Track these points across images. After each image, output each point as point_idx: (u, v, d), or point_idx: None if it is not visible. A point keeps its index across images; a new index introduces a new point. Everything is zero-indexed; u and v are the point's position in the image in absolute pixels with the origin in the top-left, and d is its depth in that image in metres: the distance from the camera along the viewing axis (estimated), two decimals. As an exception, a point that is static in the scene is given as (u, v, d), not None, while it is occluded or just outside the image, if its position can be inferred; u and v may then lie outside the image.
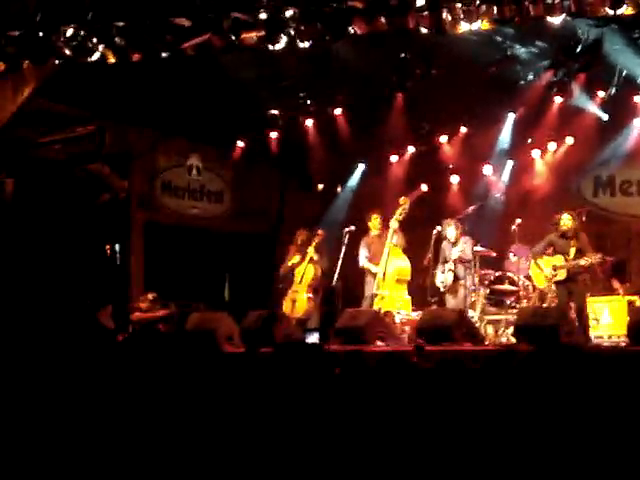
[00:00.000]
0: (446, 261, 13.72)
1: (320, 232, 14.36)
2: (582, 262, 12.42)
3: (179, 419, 5.47)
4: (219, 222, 16.92)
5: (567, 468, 4.54)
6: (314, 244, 14.20)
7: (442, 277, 13.68)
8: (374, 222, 14.13)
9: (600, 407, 5.05)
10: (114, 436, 5.20)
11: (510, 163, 16.24)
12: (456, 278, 13.61)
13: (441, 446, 4.89)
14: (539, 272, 13.00)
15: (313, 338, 12.88)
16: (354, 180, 17.16)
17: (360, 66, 13.83)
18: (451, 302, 13.60)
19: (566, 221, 12.74)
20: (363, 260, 14.00)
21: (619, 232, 16.03)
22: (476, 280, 13.74)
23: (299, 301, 14.12)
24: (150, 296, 13.88)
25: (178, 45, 12.04)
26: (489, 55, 13.85)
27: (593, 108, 14.92)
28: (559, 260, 12.66)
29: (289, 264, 14.33)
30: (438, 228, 13.81)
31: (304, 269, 14.18)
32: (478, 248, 13.79)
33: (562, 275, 12.58)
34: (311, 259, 14.18)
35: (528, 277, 13.75)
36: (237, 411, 5.39)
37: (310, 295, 14.16)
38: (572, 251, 12.60)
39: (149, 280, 15.02)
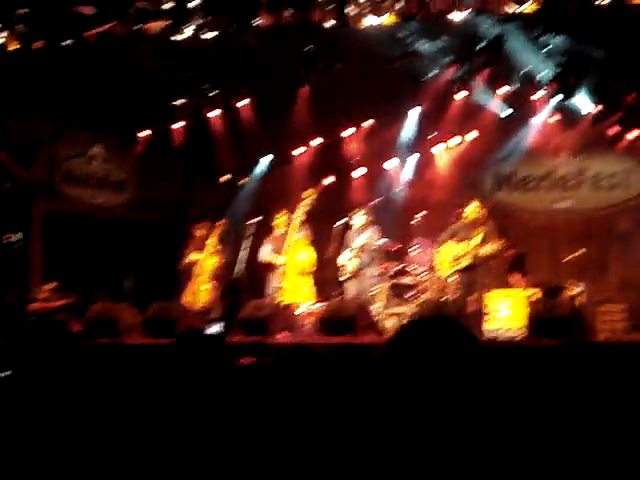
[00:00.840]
0: (350, 249, 13.77)
1: (221, 222, 14.34)
2: (485, 249, 12.66)
3: (78, 411, 5.41)
4: (122, 212, 16.76)
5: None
6: (215, 234, 14.18)
7: (345, 264, 13.74)
8: (279, 221, 14.09)
9: (497, 399, 5.13)
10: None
11: (414, 157, 16.40)
12: (360, 267, 13.68)
13: (341, 439, 4.91)
14: (444, 258, 13.18)
15: (216, 328, 12.87)
16: (259, 172, 17.16)
17: (265, 58, 13.85)
18: (352, 290, 13.66)
19: (473, 210, 13.00)
20: (266, 254, 13.92)
21: (518, 227, 16.26)
22: (379, 272, 13.85)
23: (200, 292, 14.08)
24: (49, 287, 13.70)
25: (81, 33, 11.94)
26: (393, 50, 13.97)
27: (494, 104, 15.15)
28: (463, 247, 12.89)
29: (190, 258, 14.29)
30: (343, 220, 13.89)
31: (205, 260, 14.15)
32: (381, 241, 13.91)
33: (466, 262, 12.81)
34: (212, 250, 14.16)
35: (430, 269, 13.92)
36: (135, 402, 5.36)
37: (212, 285, 14.14)
38: (478, 238, 12.82)
39: (50, 271, 14.80)
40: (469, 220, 13.04)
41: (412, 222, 13.92)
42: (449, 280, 13.37)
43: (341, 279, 13.86)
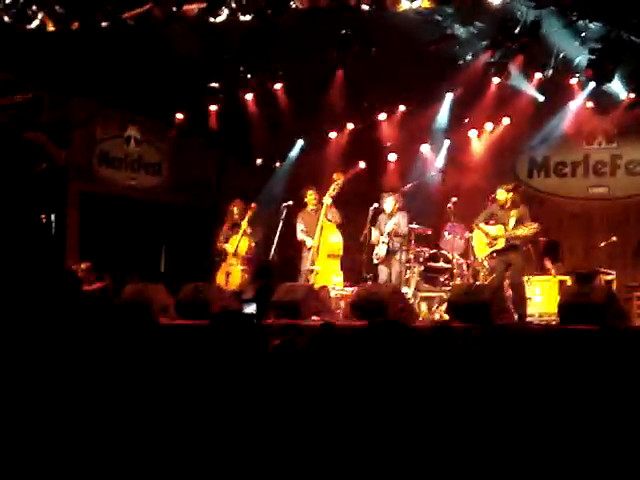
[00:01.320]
0: (382, 234, 13.84)
1: (253, 205, 14.40)
2: (519, 231, 12.67)
3: (115, 391, 5.48)
4: (156, 194, 16.85)
5: (495, 447, 4.63)
6: (248, 217, 14.26)
7: (376, 249, 13.82)
8: (310, 198, 14.20)
9: (529, 384, 5.14)
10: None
11: (447, 142, 16.38)
12: (390, 252, 13.74)
13: (380, 421, 4.94)
14: (481, 240, 13.18)
15: (250, 309, 12.93)
16: (293, 155, 17.19)
17: (301, 41, 13.85)
18: (384, 275, 13.74)
19: (500, 194, 13.03)
20: (300, 233, 14.08)
21: (552, 213, 16.24)
22: (411, 257, 13.87)
23: (233, 273, 14.17)
24: (84, 266, 13.80)
25: (118, 14, 11.97)
26: (429, 34, 13.93)
27: (530, 89, 15.08)
28: (499, 230, 12.91)
29: (223, 240, 14.38)
30: (376, 205, 13.91)
31: (238, 242, 14.22)
32: (414, 225, 13.91)
33: (501, 244, 12.83)
34: (245, 232, 14.23)
35: (463, 255, 13.94)
36: (175, 383, 5.41)
37: (244, 267, 14.21)
38: (511, 221, 12.85)
39: (84, 251, 14.93)
40: (502, 203, 13.06)
41: (446, 207, 13.87)
42: (484, 263, 13.38)
43: (374, 262, 13.90)
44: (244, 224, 14.22)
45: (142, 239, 15.98)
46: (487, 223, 13.18)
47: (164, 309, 12.46)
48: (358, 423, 4.97)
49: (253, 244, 14.24)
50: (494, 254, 13.05)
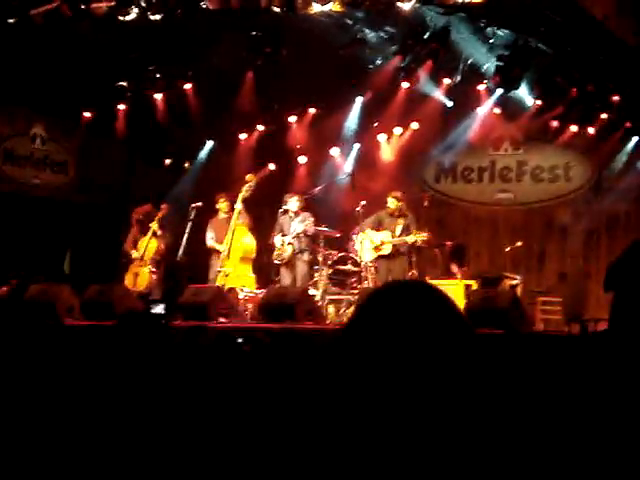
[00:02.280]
0: (284, 234, 13.77)
1: (164, 206, 14.30)
2: (408, 238, 13.00)
3: (16, 393, 5.37)
4: (62, 193, 16.61)
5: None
6: (157, 218, 14.15)
7: (277, 251, 13.77)
8: (221, 205, 14.11)
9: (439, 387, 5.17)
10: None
11: (357, 146, 16.46)
12: (297, 252, 13.72)
13: (279, 424, 4.92)
14: (366, 244, 13.39)
15: (158, 309, 12.82)
16: (202, 156, 17.12)
17: (211, 41, 13.79)
18: (287, 278, 13.72)
19: (390, 202, 13.29)
20: (210, 241, 13.98)
21: (459, 217, 16.46)
22: (319, 259, 13.89)
23: (141, 275, 14.05)
24: None
25: (26, 11, 11.79)
26: (339, 37, 13.99)
27: (438, 95, 15.24)
28: (387, 236, 13.16)
29: (131, 241, 14.27)
30: (284, 206, 13.91)
31: (146, 243, 14.11)
32: (323, 228, 13.94)
33: (387, 250, 13.08)
34: (154, 233, 14.12)
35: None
36: (80, 383, 5.34)
37: (153, 269, 14.10)
38: (398, 228, 13.14)
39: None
40: (391, 211, 13.33)
41: (354, 211, 13.93)
42: (369, 267, 13.56)
43: (277, 263, 13.88)
44: (153, 225, 14.11)
45: (47, 239, 15.72)
46: (375, 229, 13.41)
47: (69, 309, 12.32)
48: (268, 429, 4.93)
49: (163, 246, 14.13)
50: (379, 259, 13.31)
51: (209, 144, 17.04)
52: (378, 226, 13.50)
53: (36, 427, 4.95)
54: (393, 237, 13.23)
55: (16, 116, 15.82)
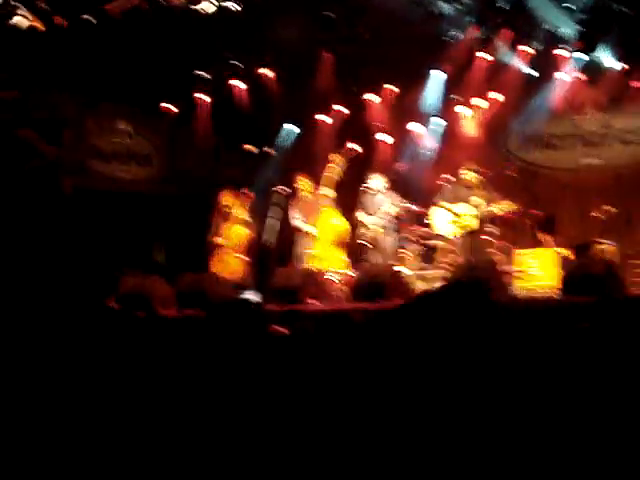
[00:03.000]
0: (369, 214, 13.73)
1: (249, 193, 14.37)
2: (487, 210, 12.83)
3: (117, 385, 5.46)
4: (149, 186, 16.82)
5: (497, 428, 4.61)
6: (244, 205, 14.23)
7: (363, 230, 13.72)
8: (304, 185, 14.12)
9: (529, 359, 5.14)
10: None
11: (437, 121, 16.36)
12: (386, 232, 13.67)
13: (386, 408, 4.91)
14: (443, 217, 13.29)
15: (250, 296, 12.91)
16: (285, 140, 17.15)
17: (288, 27, 13.83)
18: (375, 256, 13.66)
19: (466, 174, 13.14)
20: (297, 221, 13.97)
21: (547, 186, 16.26)
22: (406, 236, 13.85)
23: (231, 262, 14.14)
24: None
25: (103, 6, 11.96)
26: (415, 13, 13.93)
27: (518, 63, 15.09)
28: (465, 208, 13.05)
29: (218, 228, 14.34)
30: (368, 185, 13.88)
31: (234, 230, 14.18)
32: (408, 205, 13.88)
33: (467, 221, 12.97)
34: (242, 220, 14.19)
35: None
36: (175, 374, 5.41)
37: (241, 256, 14.18)
38: (476, 200, 12.98)
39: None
40: (466, 182, 13.17)
41: (439, 185, 13.85)
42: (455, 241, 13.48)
43: (362, 243, 13.82)
44: (240, 211, 14.19)
45: (137, 232, 15.92)
46: (451, 202, 13.29)
47: (164, 301, 12.48)
48: (363, 410, 4.94)
49: (250, 232, 14.20)
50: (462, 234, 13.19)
51: (289, 127, 17.04)
52: (454, 199, 13.36)
53: (137, 420, 5.02)
54: (471, 209, 13.08)
55: (101, 112, 16.05)
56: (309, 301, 12.00)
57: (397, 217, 13.75)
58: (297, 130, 17.06)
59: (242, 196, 14.32)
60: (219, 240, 14.24)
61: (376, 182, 13.77)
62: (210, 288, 12.21)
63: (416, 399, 4.55)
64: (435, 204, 13.53)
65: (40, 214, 13.73)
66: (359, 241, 13.79)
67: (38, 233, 13.63)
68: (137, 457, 4.51)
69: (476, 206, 13.09)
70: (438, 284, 13.08)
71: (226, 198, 14.39)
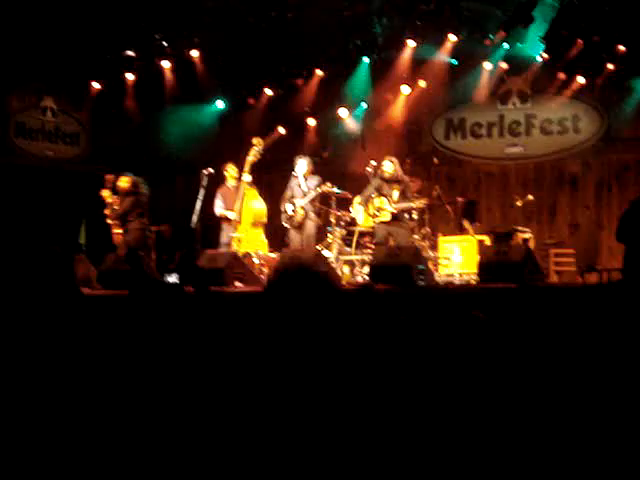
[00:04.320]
0: (293, 197, 13.74)
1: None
2: (403, 205, 13.00)
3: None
4: (75, 164, 16.71)
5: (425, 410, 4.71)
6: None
7: (288, 213, 13.73)
8: (230, 172, 14.10)
9: (451, 344, 5.26)
10: None
11: (364, 106, 16.47)
12: (306, 215, 13.69)
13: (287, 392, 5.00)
14: (364, 211, 13.41)
15: (172, 279, 12.91)
16: (211, 121, 17.12)
17: (217, 6, 13.83)
18: (296, 239, 13.67)
19: (387, 167, 13.23)
20: (218, 209, 13.95)
21: (470, 174, 16.49)
22: (332, 220, 13.93)
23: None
24: None
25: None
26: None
27: (444, 52, 15.26)
28: (381, 202, 13.15)
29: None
30: (295, 169, 13.92)
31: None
32: (335, 190, 13.95)
33: (386, 217, 13.08)
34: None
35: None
36: (100, 354, 5.44)
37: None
38: (395, 194, 13.10)
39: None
40: (387, 175, 13.27)
41: (366, 170, 13.94)
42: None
43: (286, 226, 13.84)
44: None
45: (62, 210, 15.83)
46: (372, 195, 13.38)
47: (87, 280, 12.46)
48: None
49: None
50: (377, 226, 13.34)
51: (217, 109, 17.02)
52: (378, 193, 13.45)
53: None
54: (390, 204, 13.17)
55: (26, 90, 15.90)
56: (233, 283, 12.05)
57: (320, 201, 13.78)
58: (224, 112, 17.01)
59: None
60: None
61: (301, 166, 13.78)
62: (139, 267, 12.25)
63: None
64: (355, 197, 13.58)
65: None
66: (283, 224, 13.82)
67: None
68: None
69: (394, 200, 13.17)
70: (362, 267, 13.25)
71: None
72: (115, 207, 13.55)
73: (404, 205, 13.12)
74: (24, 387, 4.94)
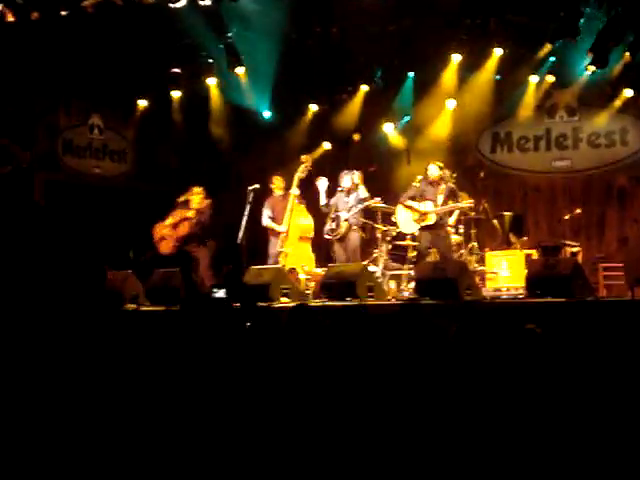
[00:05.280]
0: (337, 210, 13.73)
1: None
2: (453, 205, 12.95)
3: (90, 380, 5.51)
4: (122, 181, 16.82)
5: (477, 426, 4.69)
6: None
7: (330, 226, 13.71)
8: (277, 184, 14.20)
9: (505, 360, 5.23)
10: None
11: (410, 120, 16.43)
12: (351, 228, 13.66)
13: (356, 404, 4.99)
14: (407, 216, 13.37)
15: (220, 294, 12.91)
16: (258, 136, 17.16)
17: (261, 23, 13.90)
18: (341, 253, 13.64)
19: (433, 170, 13.27)
20: (266, 220, 14.05)
21: (516, 187, 16.38)
22: (378, 235, 13.91)
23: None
24: None
25: (78, 3, 11.97)
26: (388, 13, 14.04)
27: (490, 65, 15.20)
28: (429, 205, 13.14)
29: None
30: (340, 183, 13.90)
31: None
32: (380, 204, 13.94)
33: (430, 219, 13.06)
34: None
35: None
36: (153, 367, 5.46)
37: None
38: (440, 198, 13.09)
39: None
40: (432, 179, 13.28)
41: (412, 185, 13.89)
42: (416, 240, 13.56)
43: (330, 239, 13.81)
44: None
45: (110, 227, 15.91)
46: (414, 199, 13.37)
47: (135, 296, 12.52)
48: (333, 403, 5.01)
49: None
50: (422, 230, 13.28)
51: (264, 125, 17.01)
52: (420, 197, 13.44)
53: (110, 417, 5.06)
54: (436, 206, 13.18)
55: (74, 107, 16.03)
56: (279, 298, 12.05)
57: (363, 214, 13.75)
58: (271, 128, 17.02)
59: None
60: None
61: (346, 180, 13.78)
62: (182, 284, 12.30)
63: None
64: (400, 202, 13.58)
65: (12, 221, 13.71)
66: (326, 236, 13.81)
67: (10, 240, 13.60)
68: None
69: (439, 203, 13.15)
70: (409, 283, 13.19)
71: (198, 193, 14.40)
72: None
73: (450, 207, 13.10)
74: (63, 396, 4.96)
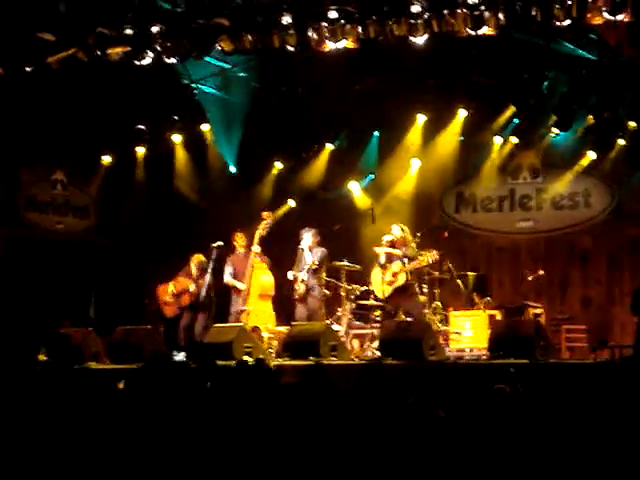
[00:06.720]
0: (300, 270, 13.71)
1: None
2: (421, 258, 12.95)
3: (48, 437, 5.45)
4: (85, 237, 16.69)
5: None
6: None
7: (295, 286, 13.71)
8: (239, 241, 14.17)
9: (462, 420, 5.19)
10: None
11: (374, 179, 16.44)
12: (308, 288, 13.62)
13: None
14: (379, 279, 13.34)
15: (180, 356, 12.80)
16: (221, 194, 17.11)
17: (228, 80, 13.94)
18: (302, 312, 13.61)
19: (395, 231, 13.26)
20: (227, 277, 14.00)
21: (480, 247, 16.40)
22: (342, 294, 13.86)
23: None
24: None
25: (43, 59, 11.95)
26: (353, 73, 14.12)
27: (454, 126, 15.28)
28: (397, 265, 13.11)
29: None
30: (301, 242, 13.88)
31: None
32: (344, 262, 13.92)
33: (402, 280, 13.03)
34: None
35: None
36: (106, 427, 5.38)
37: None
38: (405, 259, 13.12)
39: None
40: (395, 240, 13.32)
41: (375, 244, 13.90)
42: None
43: (294, 299, 13.79)
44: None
45: (71, 283, 15.77)
46: (388, 263, 13.38)
47: (95, 354, 12.39)
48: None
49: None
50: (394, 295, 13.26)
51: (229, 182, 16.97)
52: (389, 261, 13.43)
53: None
54: (403, 265, 13.19)
55: (37, 163, 15.92)
56: (241, 357, 11.94)
57: (321, 274, 13.71)
58: (235, 184, 16.97)
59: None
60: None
61: (307, 239, 13.75)
62: (144, 342, 12.21)
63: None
64: (374, 267, 13.55)
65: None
66: (289, 295, 13.77)
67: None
68: None
69: (405, 259, 13.15)
70: (372, 342, 13.14)
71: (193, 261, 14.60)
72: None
73: (418, 263, 13.09)
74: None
